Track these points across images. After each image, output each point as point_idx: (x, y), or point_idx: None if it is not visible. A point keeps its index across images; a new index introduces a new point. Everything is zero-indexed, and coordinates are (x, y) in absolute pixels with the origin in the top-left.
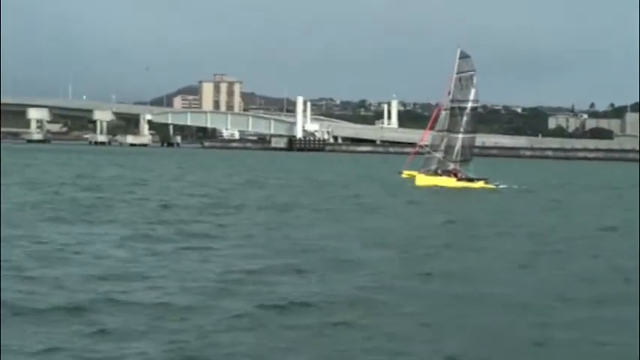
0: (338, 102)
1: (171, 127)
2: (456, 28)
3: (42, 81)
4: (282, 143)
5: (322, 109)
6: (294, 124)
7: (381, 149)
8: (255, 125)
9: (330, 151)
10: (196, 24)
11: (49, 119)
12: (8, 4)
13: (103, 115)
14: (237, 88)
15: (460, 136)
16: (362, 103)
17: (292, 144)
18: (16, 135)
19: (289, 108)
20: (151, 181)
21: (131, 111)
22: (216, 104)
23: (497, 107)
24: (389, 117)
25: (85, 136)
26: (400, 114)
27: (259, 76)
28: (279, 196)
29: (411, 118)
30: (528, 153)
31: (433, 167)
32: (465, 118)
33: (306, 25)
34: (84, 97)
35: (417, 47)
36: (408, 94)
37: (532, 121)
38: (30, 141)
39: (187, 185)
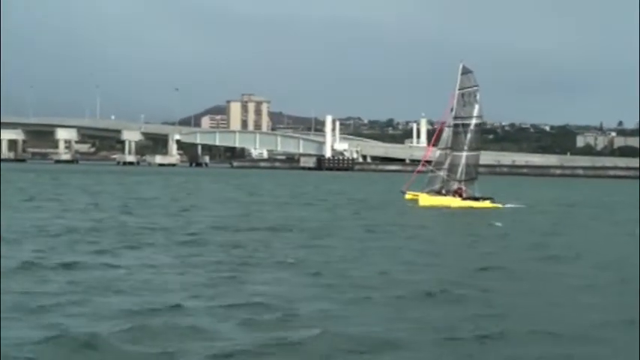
0: (366, 121)
1: (199, 147)
2: (483, 48)
3: (70, 101)
4: (311, 163)
5: (350, 129)
6: (323, 143)
7: (410, 168)
8: (283, 145)
9: (360, 170)
10: (223, 44)
11: (77, 139)
12: (37, 25)
13: (131, 135)
14: (264, 108)
15: (464, 154)
16: (390, 122)
17: (321, 163)
18: (44, 155)
19: (317, 127)
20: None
21: (160, 131)
22: (244, 124)
23: (525, 126)
24: (418, 136)
25: (113, 156)
26: (428, 132)
27: (287, 96)
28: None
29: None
30: (558, 171)
31: (437, 187)
32: (469, 135)
33: (333, 44)
34: (112, 117)
35: (444, 66)
36: (435, 113)
37: (560, 139)
38: (58, 161)
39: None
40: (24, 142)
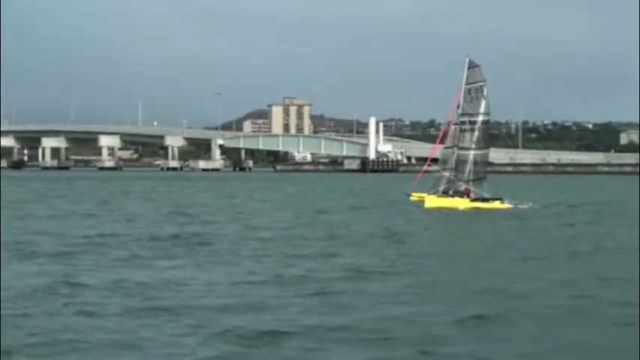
0: (407, 122)
1: (242, 152)
2: (522, 43)
3: (112, 108)
4: (355, 165)
5: (392, 130)
6: (366, 145)
7: None
8: (327, 147)
9: (404, 171)
10: (264, 47)
11: (120, 146)
12: (78, 33)
13: (174, 141)
14: (306, 111)
15: (472, 152)
16: (431, 123)
17: (365, 165)
18: (87, 162)
19: (359, 129)
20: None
21: (203, 136)
22: (286, 127)
23: (567, 124)
24: None
25: (157, 162)
26: None
27: (328, 99)
28: None
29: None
30: (605, 169)
31: (442, 187)
32: (476, 133)
33: (374, 46)
34: (155, 123)
35: (487, 64)
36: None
37: (603, 136)
38: (102, 168)
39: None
40: (67, 149)
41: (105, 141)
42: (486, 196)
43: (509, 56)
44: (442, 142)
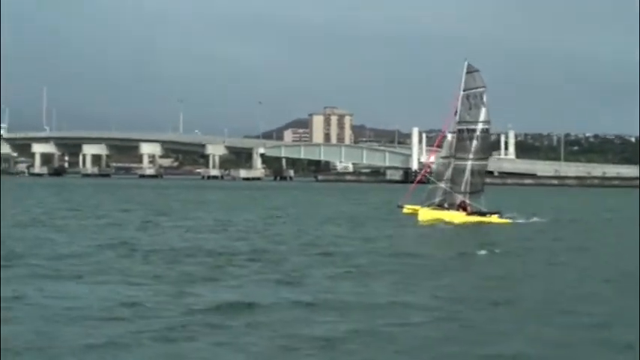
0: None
1: (283, 161)
2: (567, 58)
3: (153, 115)
4: (397, 175)
5: (433, 141)
6: (409, 155)
7: (498, 181)
8: (369, 158)
9: None
10: (305, 57)
11: (160, 154)
12: (120, 41)
13: (215, 149)
14: (347, 121)
15: (469, 163)
16: None
17: (408, 176)
18: (127, 169)
19: (400, 140)
20: None
21: (244, 145)
22: (327, 137)
23: (610, 137)
24: (506, 147)
25: (197, 170)
26: (517, 144)
27: (369, 109)
28: None
29: (523, 149)
30: None
31: (438, 200)
32: (474, 142)
33: (413, 56)
34: (196, 131)
35: (532, 76)
36: (523, 124)
37: None
38: (142, 176)
39: None
40: (107, 156)
41: (146, 148)
42: (484, 209)
43: (551, 69)
44: (436, 152)
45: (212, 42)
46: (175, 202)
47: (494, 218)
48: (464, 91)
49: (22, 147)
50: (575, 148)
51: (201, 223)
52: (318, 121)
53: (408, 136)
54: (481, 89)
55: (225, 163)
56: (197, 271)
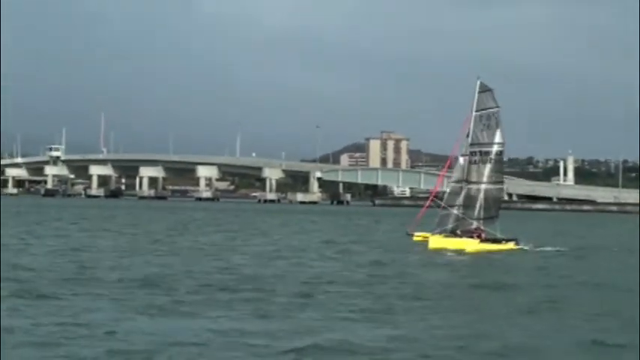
0: (505, 159)
1: (340, 185)
2: (624, 86)
3: (210, 138)
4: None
5: None
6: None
7: (557, 207)
8: (426, 182)
9: (505, 208)
10: (361, 81)
11: (217, 177)
12: (179, 65)
13: (272, 173)
14: (404, 145)
15: (483, 187)
16: (530, 160)
17: None
18: (183, 192)
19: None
20: None
21: (301, 168)
22: (384, 161)
23: None
24: (565, 173)
25: (254, 194)
26: (577, 170)
27: (424, 133)
28: None
29: (581, 175)
30: None
31: (450, 226)
32: (488, 166)
33: (468, 82)
34: (253, 154)
35: (590, 99)
36: (582, 150)
37: None
38: (199, 199)
39: None
40: (164, 179)
41: (202, 171)
42: (499, 236)
43: (612, 96)
44: (446, 175)
45: (271, 67)
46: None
47: (511, 246)
48: (476, 111)
49: (80, 169)
50: (633, 174)
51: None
52: (374, 146)
53: None
54: (495, 109)
55: (280, 186)
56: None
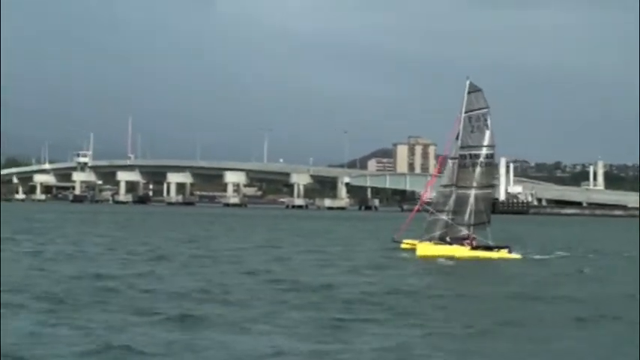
0: (532, 164)
1: (368, 190)
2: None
3: (238, 144)
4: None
5: (517, 172)
6: (496, 186)
7: (587, 212)
8: None
9: (534, 213)
10: (390, 86)
11: (245, 183)
12: (208, 71)
13: (300, 179)
14: (431, 150)
15: (473, 192)
16: (557, 165)
17: (495, 206)
18: (211, 198)
19: None
20: None
21: (329, 174)
22: (411, 166)
23: None
24: (594, 178)
25: (281, 199)
26: (606, 175)
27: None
28: None
29: (609, 179)
30: None
31: (438, 233)
32: (478, 169)
33: (498, 87)
34: (280, 159)
35: (617, 105)
36: (611, 154)
37: None
38: (227, 204)
39: None
40: (192, 184)
41: (230, 177)
42: (490, 243)
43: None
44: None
45: (297, 72)
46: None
47: (503, 253)
48: (465, 112)
49: (107, 175)
50: None
51: None
52: (402, 151)
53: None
54: (484, 110)
55: (308, 192)
56: None
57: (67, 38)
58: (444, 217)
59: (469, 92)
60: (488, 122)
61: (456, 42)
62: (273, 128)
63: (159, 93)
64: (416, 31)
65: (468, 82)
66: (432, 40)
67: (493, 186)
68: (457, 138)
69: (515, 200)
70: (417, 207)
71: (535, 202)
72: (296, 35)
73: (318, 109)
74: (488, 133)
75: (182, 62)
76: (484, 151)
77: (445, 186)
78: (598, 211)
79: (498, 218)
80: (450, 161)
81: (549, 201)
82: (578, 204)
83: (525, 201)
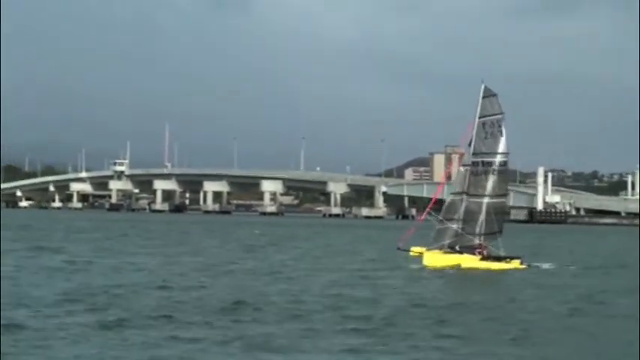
0: (569, 173)
1: (406, 199)
2: None
3: (275, 153)
4: (521, 215)
5: (554, 181)
6: (533, 195)
7: (625, 221)
8: None
9: (572, 223)
10: (426, 95)
11: (282, 191)
12: (243, 79)
13: (337, 187)
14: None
15: (485, 200)
16: (594, 174)
17: (533, 216)
18: (248, 207)
19: (521, 179)
20: None
21: (366, 183)
22: (448, 176)
23: None
24: (632, 187)
25: (318, 208)
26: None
27: None
28: None
29: None
30: None
31: (447, 242)
32: (491, 177)
33: (535, 96)
34: (317, 168)
35: None
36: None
37: None
38: (263, 213)
39: None
40: (228, 193)
41: (267, 186)
42: (501, 253)
43: None
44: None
45: (334, 80)
46: None
47: (515, 264)
48: (479, 118)
49: (144, 183)
50: None
51: None
52: (439, 160)
53: (528, 175)
54: (499, 116)
55: (345, 200)
56: None
57: (105, 47)
58: (453, 225)
59: (484, 97)
60: (503, 129)
61: (494, 53)
62: (311, 136)
63: (195, 102)
64: (454, 43)
65: (482, 86)
66: (470, 52)
67: (506, 195)
68: (470, 144)
69: (553, 210)
70: (423, 215)
71: (573, 212)
72: (332, 43)
73: (355, 117)
74: (502, 140)
75: (220, 72)
76: (498, 159)
77: (456, 193)
78: (636, 221)
79: (535, 228)
80: (461, 168)
81: (587, 210)
82: (616, 213)
83: (563, 210)
